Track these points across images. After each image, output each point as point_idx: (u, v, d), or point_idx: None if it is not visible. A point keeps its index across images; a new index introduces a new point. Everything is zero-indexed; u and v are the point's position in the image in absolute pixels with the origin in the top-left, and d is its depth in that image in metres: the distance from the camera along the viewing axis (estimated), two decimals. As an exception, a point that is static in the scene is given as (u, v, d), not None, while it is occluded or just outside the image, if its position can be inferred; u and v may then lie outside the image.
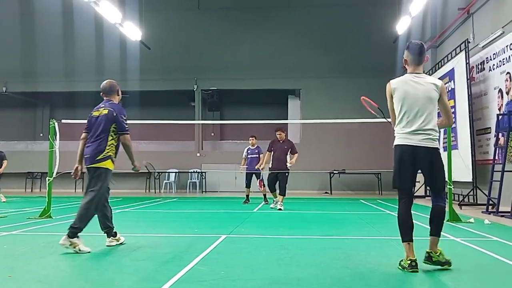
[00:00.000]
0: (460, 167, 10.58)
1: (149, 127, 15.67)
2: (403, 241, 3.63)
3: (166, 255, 4.35)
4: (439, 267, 3.62)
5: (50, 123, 7.89)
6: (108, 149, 4.70)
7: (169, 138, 20.13)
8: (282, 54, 18.86)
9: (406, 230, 3.62)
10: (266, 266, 3.86)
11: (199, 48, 19.37)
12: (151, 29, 17.33)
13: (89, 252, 4.44)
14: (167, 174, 18.68)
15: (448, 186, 7.48)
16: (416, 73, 3.77)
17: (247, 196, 11.45)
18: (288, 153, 9.93)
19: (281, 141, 10.02)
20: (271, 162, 10.12)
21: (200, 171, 18.80)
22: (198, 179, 18.72)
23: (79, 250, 4.38)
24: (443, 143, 8.79)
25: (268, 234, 5.94)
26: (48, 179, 7.80)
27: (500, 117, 9.27)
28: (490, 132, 10.35)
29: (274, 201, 9.97)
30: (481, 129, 10.81)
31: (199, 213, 9.22)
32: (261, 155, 11.14)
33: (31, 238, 5.54)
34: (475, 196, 10.46)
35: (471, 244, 5.03)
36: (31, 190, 19.00)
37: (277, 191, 9.90)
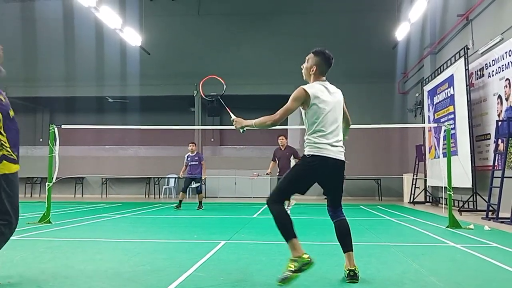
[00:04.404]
0: (459, 173, 10.59)
1: (148, 132, 15.69)
2: (290, 239, 3.32)
3: (165, 261, 4.34)
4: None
5: (50, 128, 7.89)
6: None
7: (168, 143, 20.14)
8: (281, 60, 18.89)
9: (291, 227, 3.35)
10: (265, 272, 3.85)
11: (199, 53, 19.43)
12: (151, 35, 17.40)
13: None
14: (166, 179, 18.65)
15: (448, 192, 7.50)
16: (323, 81, 3.68)
17: (180, 201, 11.47)
18: (291, 158, 9.96)
19: (283, 148, 10.11)
20: (278, 171, 10.10)
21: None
22: (197, 185, 18.66)
23: None
24: (443, 149, 8.78)
25: (267, 240, 5.93)
26: (48, 184, 7.79)
27: (499, 123, 9.31)
28: (489, 138, 10.36)
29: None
30: (481, 135, 10.83)
31: (198, 219, 9.20)
32: (202, 162, 11.29)
33: (31, 243, 5.52)
34: (475, 202, 10.47)
35: (471, 251, 5.03)
36: (31, 195, 18.96)
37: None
